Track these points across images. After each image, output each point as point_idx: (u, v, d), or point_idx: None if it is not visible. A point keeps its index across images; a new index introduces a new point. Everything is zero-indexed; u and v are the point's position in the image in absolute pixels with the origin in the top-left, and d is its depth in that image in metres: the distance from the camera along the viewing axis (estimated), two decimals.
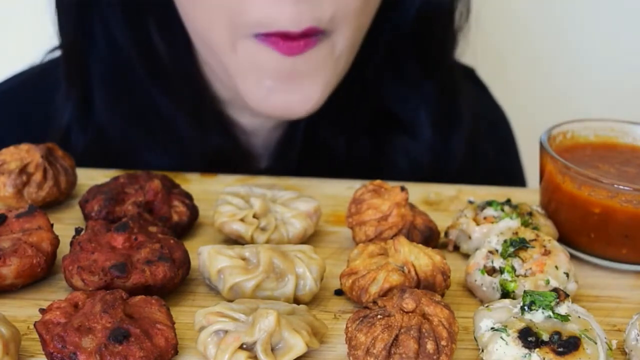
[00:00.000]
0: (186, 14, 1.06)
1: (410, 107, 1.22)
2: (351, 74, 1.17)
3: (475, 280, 0.87)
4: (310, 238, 0.95)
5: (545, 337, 0.72)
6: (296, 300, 0.83)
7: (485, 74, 1.42)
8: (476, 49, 1.28)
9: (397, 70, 1.21)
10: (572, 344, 0.71)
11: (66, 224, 0.95)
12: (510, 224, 0.92)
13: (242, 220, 0.92)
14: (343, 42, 1.04)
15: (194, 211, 0.97)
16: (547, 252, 0.86)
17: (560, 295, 0.76)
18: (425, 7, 1.17)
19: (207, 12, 1.01)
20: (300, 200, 0.95)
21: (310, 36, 0.99)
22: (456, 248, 0.96)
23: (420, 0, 1.17)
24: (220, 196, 0.96)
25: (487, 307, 0.78)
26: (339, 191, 1.08)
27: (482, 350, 0.74)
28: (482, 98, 1.38)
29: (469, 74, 1.37)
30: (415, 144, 1.22)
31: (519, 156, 1.43)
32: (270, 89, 1.03)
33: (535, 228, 0.92)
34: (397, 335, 0.73)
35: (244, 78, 1.04)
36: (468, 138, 1.25)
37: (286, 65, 1.01)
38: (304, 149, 1.20)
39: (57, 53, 1.24)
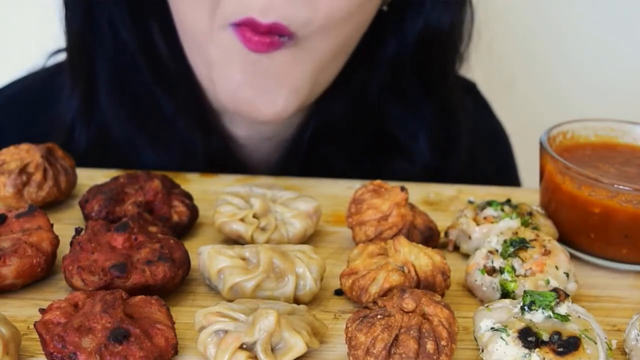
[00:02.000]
0: (173, 5, 1.07)
1: (409, 130, 1.22)
2: (354, 94, 1.18)
3: (475, 280, 0.87)
4: (310, 238, 0.95)
5: (545, 337, 0.72)
6: (296, 300, 0.83)
7: (485, 74, 1.42)
8: (475, 49, 1.27)
9: (399, 92, 1.22)
10: (572, 344, 0.71)
11: (66, 224, 0.95)
12: (510, 224, 0.92)
13: (242, 220, 0.92)
14: (322, 51, 1.04)
15: (194, 211, 0.97)
16: (547, 252, 0.86)
17: (560, 295, 0.76)
18: (426, 32, 1.17)
19: (191, 1, 1.03)
20: (300, 200, 0.95)
21: (277, 35, 0.99)
22: (456, 248, 0.96)
23: (421, 26, 1.17)
24: (220, 196, 0.96)
25: (487, 307, 0.78)
26: (339, 191, 1.08)
27: (482, 350, 0.74)
28: (481, 115, 1.37)
29: (470, 89, 1.37)
30: (413, 166, 1.22)
31: (517, 173, 1.43)
32: (239, 84, 1.03)
33: (535, 228, 0.92)
34: (397, 335, 0.73)
35: (219, 70, 1.05)
36: (466, 159, 1.25)
37: (250, 61, 1.02)
38: (304, 166, 1.21)
39: (60, 56, 1.24)
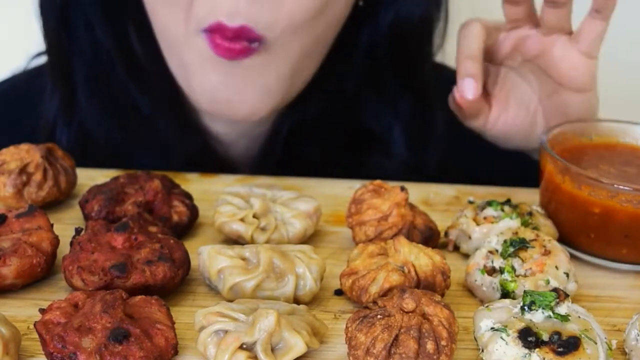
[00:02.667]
0: (149, 9, 1.08)
1: (385, 124, 1.22)
2: (331, 89, 1.18)
3: (475, 280, 0.87)
4: (310, 238, 0.95)
5: (545, 337, 0.73)
6: (296, 300, 0.83)
7: None
8: None
9: (375, 86, 1.22)
10: (572, 344, 0.71)
11: (66, 224, 0.95)
12: (510, 224, 0.92)
13: (242, 220, 0.92)
14: (293, 52, 1.04)
15: (194, 211, 0.97)
16: (547, 252, 0.86)
17: (560, 295, 0.76)
18: (396, 23, 1.17)
19: (166, 7, 1.04)
20: (300, 200, 0.95)
21: (246, 41, 1.00)
22: (456, 248, 0.96)
23: (392, 16, 1.17)
24: (220, 196, 0.96)
25: (487, 307, 0.78)
26: (339, 191, 1.08)
27: (482, 350, 0.74)
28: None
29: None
30: (390, 161, 1.22)
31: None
32: (216, 85, 1.05)
33: (535, 228, 0.92)
34: (397, 335, 0.73)
35: (195, 73, 1.06)
36: (446, 152, 1.24)
37: (223, 66, 1.03)
38: (283, 162, 1.21)
39: (42, 59, 1.25)
